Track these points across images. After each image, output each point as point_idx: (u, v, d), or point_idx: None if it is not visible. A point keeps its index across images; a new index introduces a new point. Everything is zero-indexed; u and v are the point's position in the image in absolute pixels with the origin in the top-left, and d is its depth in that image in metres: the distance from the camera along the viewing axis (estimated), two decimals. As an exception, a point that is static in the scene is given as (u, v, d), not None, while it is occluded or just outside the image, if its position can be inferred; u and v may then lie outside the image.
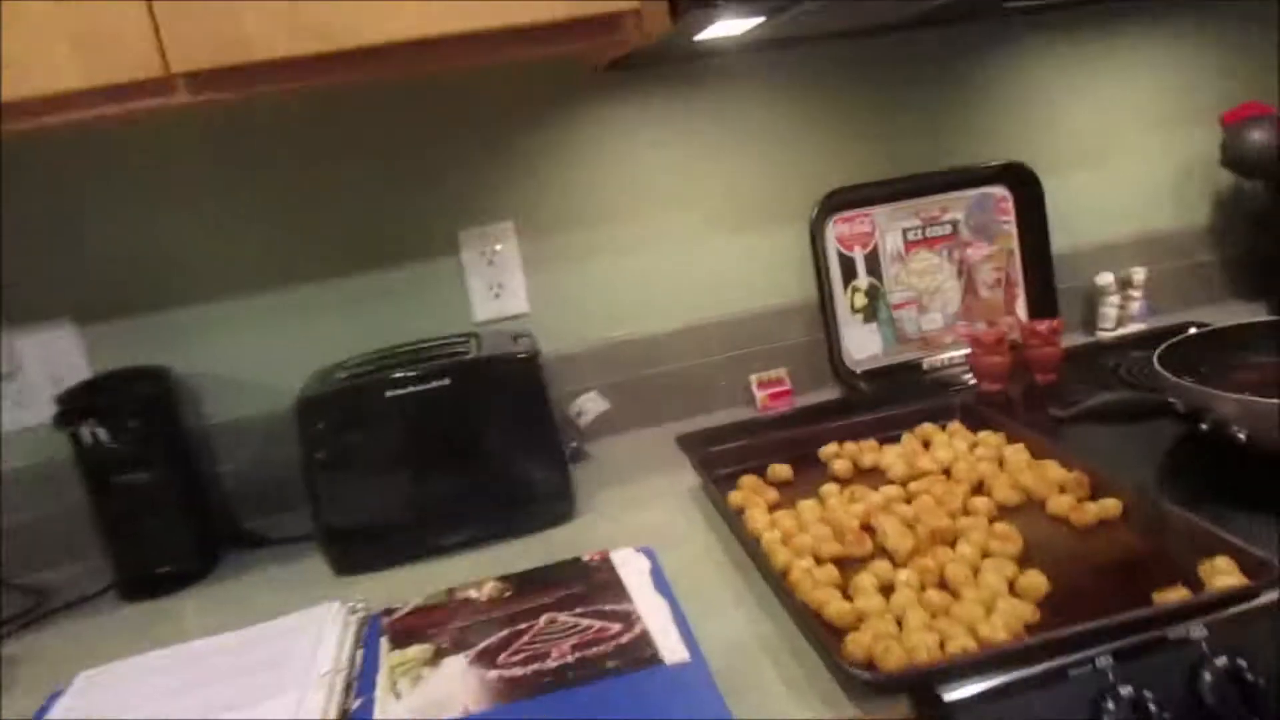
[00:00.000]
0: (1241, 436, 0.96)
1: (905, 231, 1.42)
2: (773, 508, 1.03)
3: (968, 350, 1.39)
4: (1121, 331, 1.50)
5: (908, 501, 0.99)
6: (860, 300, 1.41)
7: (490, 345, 1.15)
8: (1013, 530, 0.89)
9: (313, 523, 1.09)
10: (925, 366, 1.42)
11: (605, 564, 0.97)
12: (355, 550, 1.08)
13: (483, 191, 1.29)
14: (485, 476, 1.09)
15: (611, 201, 1.33)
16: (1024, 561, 0.85)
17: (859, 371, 1.41)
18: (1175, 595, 0.75)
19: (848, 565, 0.89)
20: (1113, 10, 1.48)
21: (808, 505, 1.00)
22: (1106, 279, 1.48)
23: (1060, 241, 1.46)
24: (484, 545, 1.08)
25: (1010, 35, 1.44)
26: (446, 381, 1.06)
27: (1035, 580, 0.80)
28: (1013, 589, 0.80)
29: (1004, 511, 0.96)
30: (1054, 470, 0.99)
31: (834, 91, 1.38)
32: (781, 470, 1.10)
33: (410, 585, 1.00)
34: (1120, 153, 1.52)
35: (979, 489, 1.00)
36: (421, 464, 1.07)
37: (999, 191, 1.44)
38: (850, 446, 1.13)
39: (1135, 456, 1.04)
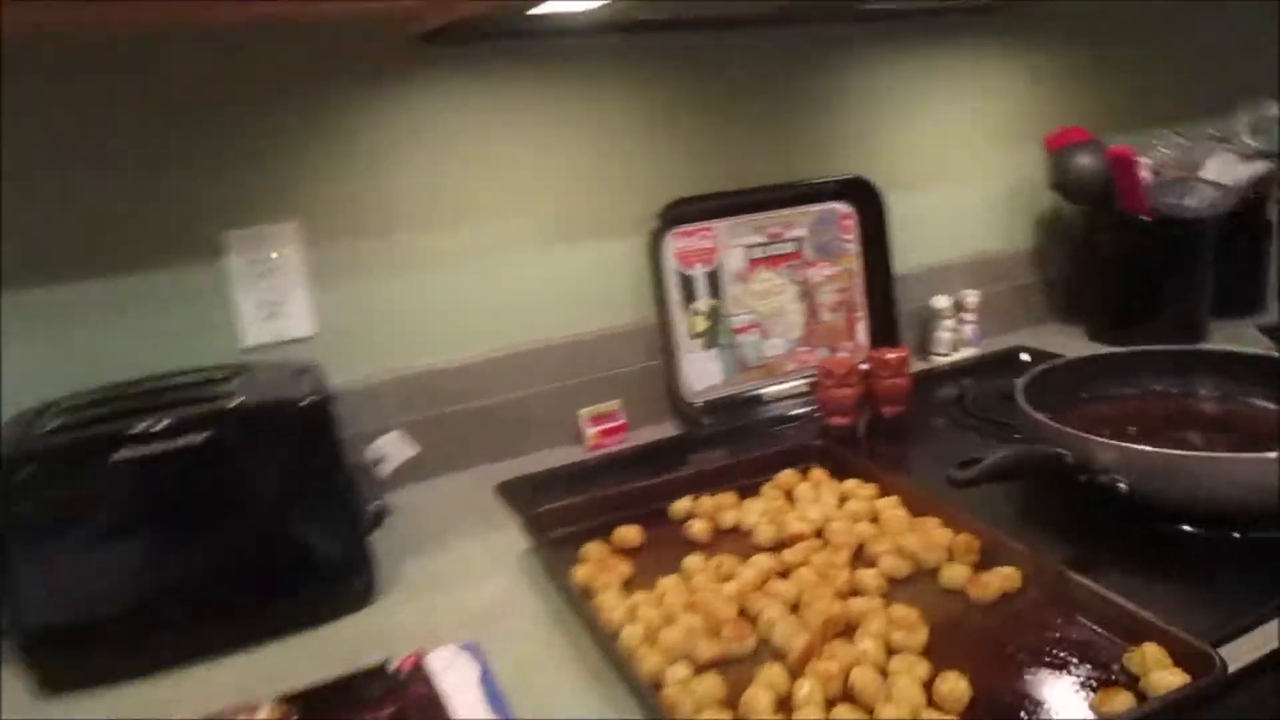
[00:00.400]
0: (1123, 487, 0.89)
1: (748, 249, 1.28)
2: (627, 584, 0.85)
3: (810, 380, 1.28)
4: (956, 357, 1.44)
5: (784, 574, 0.85)
6: (701, 324, 1.26)
7: (263, 384, 0.90)
8: (915, 615, 0.76)
9: (5, 622, 0.80)
10: (766, 397, 1.30)
11: (419, 674, 0.76)
12: (69, 659, 0.81)
13: (259, 182, 1.03)
14: (256, 555, 0.85)
15: (422, 203, 1.10)
16: (932, 654, 0.72)
17: (699, 404, 1.26)
18: (1119, 702, 0.64)
19: (729, 666, 0.73)
20: (953, 25, 1.42)
21: (670, 584, 0.83)
22: (943, 302, 1.42)
23: (897, 262, 1.39)
24: (257, 645, 0.83)
25: (855, 45, 1.35)
26: (202, 436, 0.81)
27: (956, 687, 0.67)
28: (930, 697, 0.67)
29: (892, 584, 0.83)
30: (938, 532, 0.88)
31: (679, 93, 1.23)
32: (630, 534, 0.93)
33: (150, 707, 0.74)
34: (957, 171, 1.47)
35: (858, 554, 0.88)
36: (167, 541, 0.82)
37: (843, 208, 1.34)
38: (706, 502, 0.98)
39: (1014, 508, 0.95)
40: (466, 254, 1.13)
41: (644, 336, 1.24)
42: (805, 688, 0.68)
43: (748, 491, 1.01)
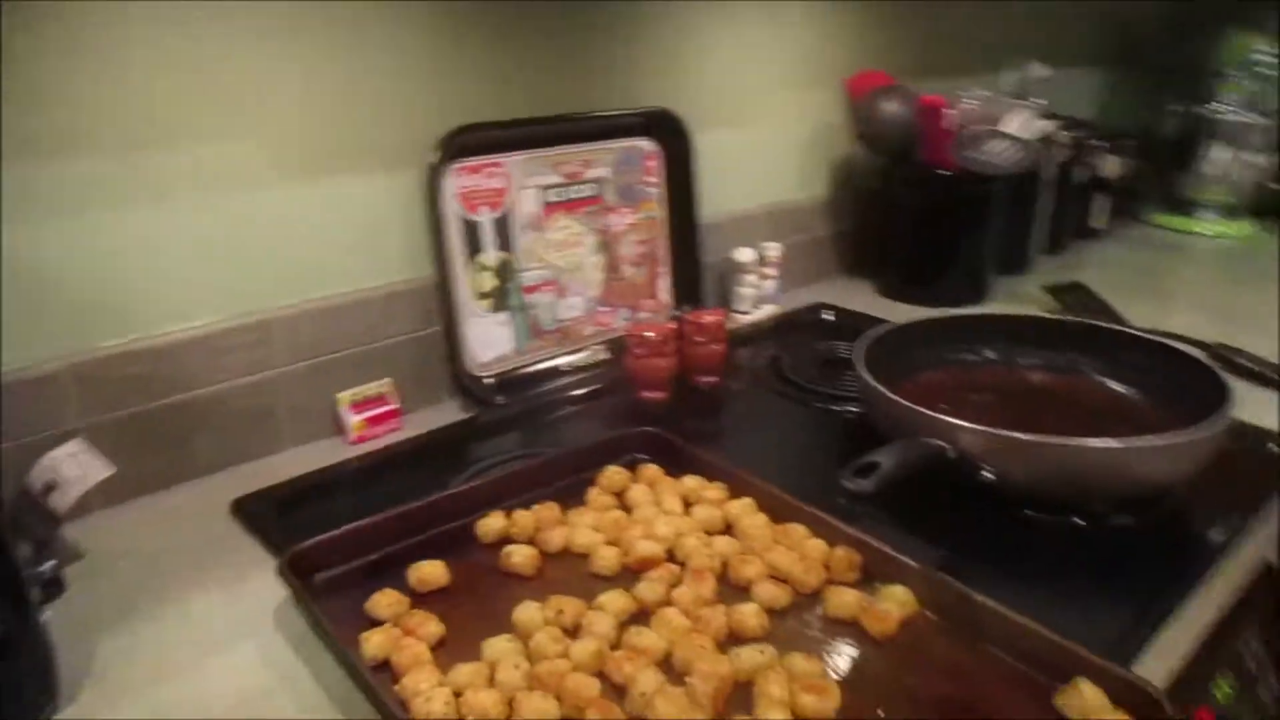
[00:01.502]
0: (989, 476, 0.79)
1: (543, 190, 1.07)
2: (438, 649, 0.63)
3: (610, 344, 1.10)
4: (759, 315, 1.32)
5: (642, 616, 0.67)
6: (488, 282, 1.03)
7: None
8: (817, 670, 0.61)
9: None
10: (564, 368, 1.10)
11: None
12: None
13: None
14: None
15: (116, 112, 0.77)
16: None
17: (488, 379, 1.04)
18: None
19: (599, 769, 0.55)
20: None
21: (501, 650, 0.62)
22: (748, 255, 1.29)
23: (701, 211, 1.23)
24: None
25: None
26: None
27: (896, 773, 0.53)
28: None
29: (771, 618, 0.68)
30: (810, 543, 0.73)
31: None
32: (432, 573, 0.70)
33: None
34: (756, 112, 1.33)
35: (722, 578, 0.71)
36: None
37: (647, 146, 1.16)
38: (523, 518, 0.77)
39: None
40: (179, 187, 0.82)
41: (418, 299, 0.99)
42: (720, 804, 0.50)
43: (569, 497, 0.81)
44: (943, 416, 0.80)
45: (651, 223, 1.18)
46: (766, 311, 1.33)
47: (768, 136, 1.36)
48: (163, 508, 0.83)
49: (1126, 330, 1.05)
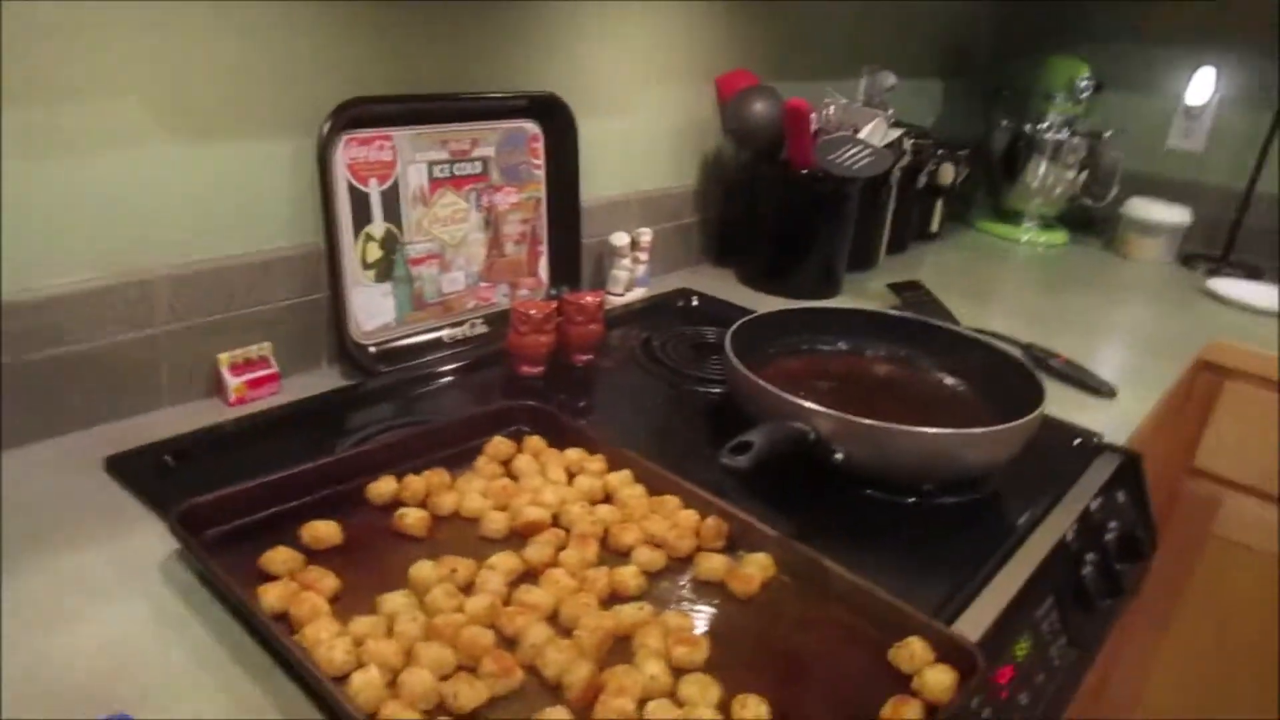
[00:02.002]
0: (839, 457, 0.89)
1: (431, 166, 1.09)
2: (334, 603, 0.67)
3: (488, 318, 1.14)
4: (630, 297, 1.38)
5: (533, 576, 0.72)
6: (374, 252, 1.05)
7: None
8: (689, 626, 0.68)
9: None
10: (446, 340, 1.13)
11: None
12: None
13: None
14: None
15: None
16: (715, 669, 0.65)
17: (370, 347, 1.05)
18: (909, 714, 0.62)
19: (491, 709, 0.60)
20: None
21: (398, 604, 0.66)
22: (622, 239, 1.35)
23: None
24: None
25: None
26: None
27: (758, 713, 0.60)
28: (730, 728, 0.60)
29: (648, 579, 0.74)
30: (684, 514, 0.81)
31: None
32: (326, 531, 0.73)
33: None
34: (634, 102, 1.38)
35: (604, 544, 0.78)
36: None
37: (532, 128, 1.19)
38: (414, 482, 0.80)
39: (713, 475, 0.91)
40: (54, 146, 0.80)
41: (303, 265, 1.00)
42: (604, 741, 0.57)
43: (456, 464, 0.86)
44: (803, 402, 0.88)
45: (534, 203, 1.22)
46: (637, 294, 1.39)
47: (644, 126, 1.42)
48: (36, 462, 0.82)
49: (958, 330, 1.17)
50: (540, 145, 1.21)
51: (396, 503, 0.79)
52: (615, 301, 1.36)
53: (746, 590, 0.73)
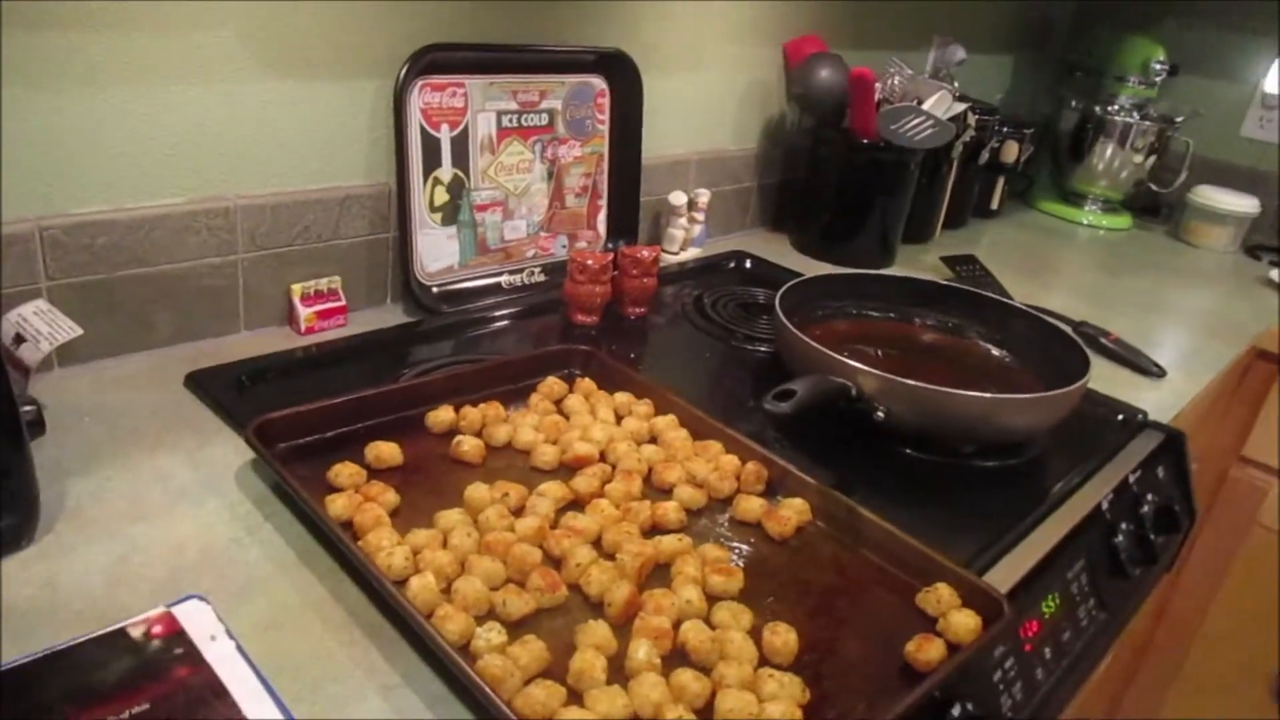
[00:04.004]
0: (880, 415, 0.91)
1: (500, 115, 1.12)
2: (394, 517, 0.71)
3: (547, 268, 1.18)
4: (685, 256, 1.41)
5: (580, 505, 0.76)
6: (441, 196, 1.09)
7: None
8: (725, 557, 0.72)
9: None
10: (505, 285, 1.17)
11: (180, 645, 0.57)
12: None
13: None
14: None
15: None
16: (748, 598, 0.68)
17: (433, 287, 1.10)
18: (932, 652, 0.64)
19: (541, 623, 0.64)
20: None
21: (454, 520, 0.70)
22: (680, 199, 1.37)
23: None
24: None
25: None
26: None
27: (788, 640, 0.64)
28: (761, 652, 0.63)
29: (688, 516, 0.78)
30: (725, 458, 0.84)
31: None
32: (388, 452, 0.78)
33: None
34: (705, 65, 1.40)
35: (648, 481, 0.81)
36: None
37: (599, 83, 1.22)
38: (471, 414, 0.85)
39: (756, 426, 0.93)
40: (153, 68, 0.85)
41: (374, 204, 1.04)
42: (641, 650, 0.60)
43: (511, 400, 0.90)
44: (847, 360, 0.91)
45: (597, 157, 1.24)
46: (692, 253, 1.42)
47: (709, 87, 1.44)
48: (122, 373, 0.87)
49: (1008, 302, 1.18)
50: (606, 101, 1.23)
51: (453, 431, 0.83)
52: (670, 259, 1.39)
53: (781, 531, 0.76)
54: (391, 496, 0.72)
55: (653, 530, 0.75)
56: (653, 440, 0.87)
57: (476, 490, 0.74)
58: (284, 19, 0.92)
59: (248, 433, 0.75)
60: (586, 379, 0.94)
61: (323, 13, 0.94)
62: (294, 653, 0.59)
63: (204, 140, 0.90)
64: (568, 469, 0.81)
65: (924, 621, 0.69)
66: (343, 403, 0.81)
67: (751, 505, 0.78)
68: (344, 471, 0.74)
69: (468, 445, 0.80)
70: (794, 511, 0.78)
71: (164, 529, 0.69)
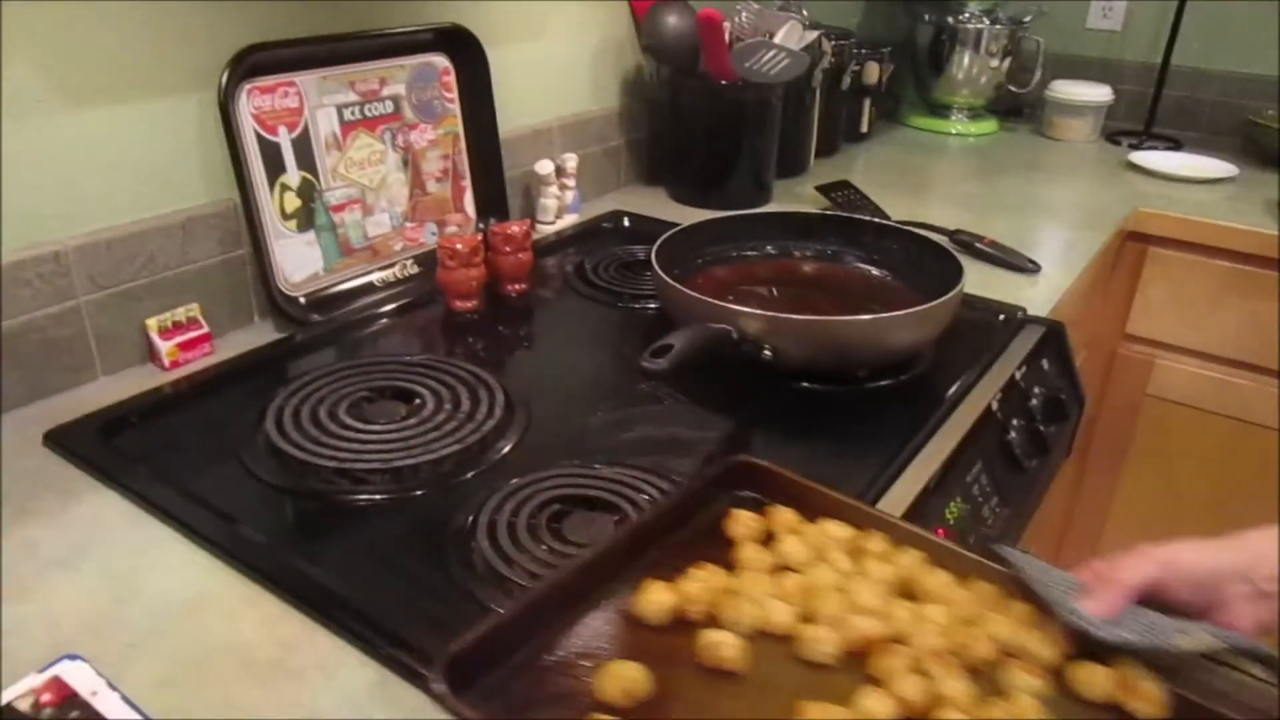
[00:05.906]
0: (767, 354, 0.91)
1: (341, 110, 1.08)
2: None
3: (417, 260, 1.15)
4: (561, 224, 1.39)
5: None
6: (293, 202, 1.04)
7: None
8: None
9: None
10: (377, 283, 1.13)
11: (74, 702, 0.54)
12: None
13: None
14: None
15: None
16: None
17: (300, 298, 1.06)
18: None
19: None
20: None
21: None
22: (547, 167, 1.34)
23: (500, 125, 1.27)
24: None
25: None
26: None
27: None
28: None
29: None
30: (1018, 606, 0.61)
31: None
32: (634, 678, 0.55)
33: None
34: (550, 28, 1.37)
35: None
36: None
37: (441, 61, 1.18)
38: (692, 587, 0.61)
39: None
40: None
41: (221, 222, 0.99)
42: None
43: (687, 555, 0.64)
44: (726, 304, 0.90)
45: (453, 138, 1.21)
46: (568, 221, 1.40)
47: (558, 50, 1.41)
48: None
49: (880, 221, 1.20)
50: (452, 79, 1.20)
51: (679, 618, 0.60)
52: (547, 230, 1.37)
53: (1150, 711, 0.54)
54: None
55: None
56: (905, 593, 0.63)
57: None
58: (83, 41, 0.86)
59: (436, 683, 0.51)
60: (784, 508, 0.69)
61: (127, 29, 0.88)
62: (193, 709, 0.57)
63: (19, 185, 0.84)
64: (851, 657, 0.58)
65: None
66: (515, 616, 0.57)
67: (1096, 678, 0.56)
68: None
69: (729, 649, 0.57)
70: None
71: (39, 605, 0.65)
